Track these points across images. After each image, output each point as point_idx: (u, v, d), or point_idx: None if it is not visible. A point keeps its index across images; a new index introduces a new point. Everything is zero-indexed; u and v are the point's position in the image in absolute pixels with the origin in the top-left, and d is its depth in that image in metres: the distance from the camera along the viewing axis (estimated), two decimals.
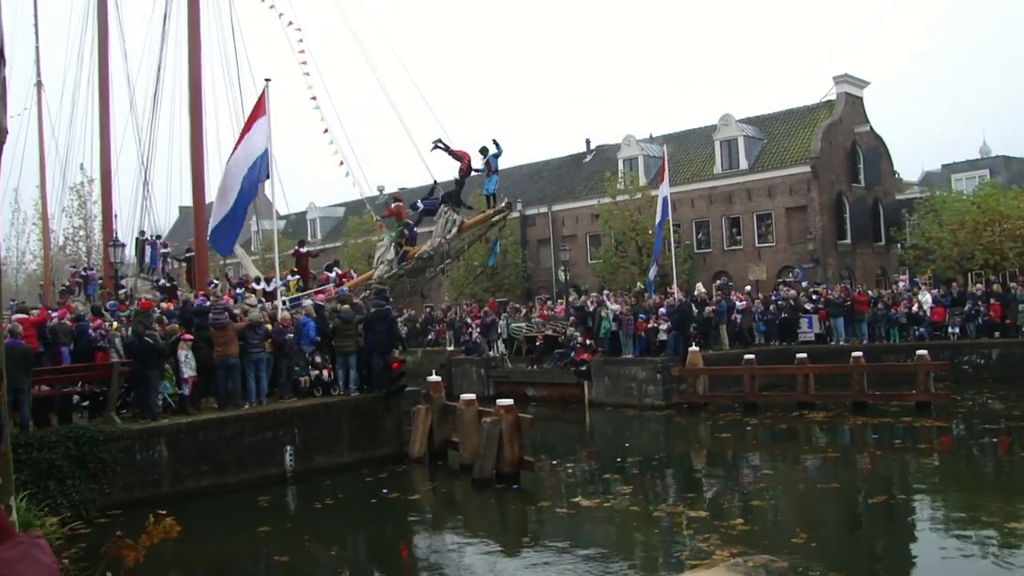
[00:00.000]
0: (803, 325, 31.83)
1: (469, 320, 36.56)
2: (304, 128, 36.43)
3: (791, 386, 25.68)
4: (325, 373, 19.63)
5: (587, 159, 54.45)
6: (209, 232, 20.05)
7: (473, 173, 23.48)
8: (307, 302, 21.57)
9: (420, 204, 23.78)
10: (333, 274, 26.79)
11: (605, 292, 33.43)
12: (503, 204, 23.38)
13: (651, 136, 51.36)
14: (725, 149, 44.72)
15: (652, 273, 31.27)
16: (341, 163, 22.72)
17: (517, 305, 40.10)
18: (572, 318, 31.46)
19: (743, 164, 44.12)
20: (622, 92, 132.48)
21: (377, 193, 46.31)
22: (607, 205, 44.05)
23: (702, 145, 47.22)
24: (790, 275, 39.10)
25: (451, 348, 36.83)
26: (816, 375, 25.48)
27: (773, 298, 33.23)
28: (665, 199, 31.04)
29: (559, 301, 39.36)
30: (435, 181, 23.62)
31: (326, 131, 22.92)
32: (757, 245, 43.58)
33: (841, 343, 30.88)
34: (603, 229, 44.62)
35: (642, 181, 46.25)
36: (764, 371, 26.65)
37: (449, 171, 23.81)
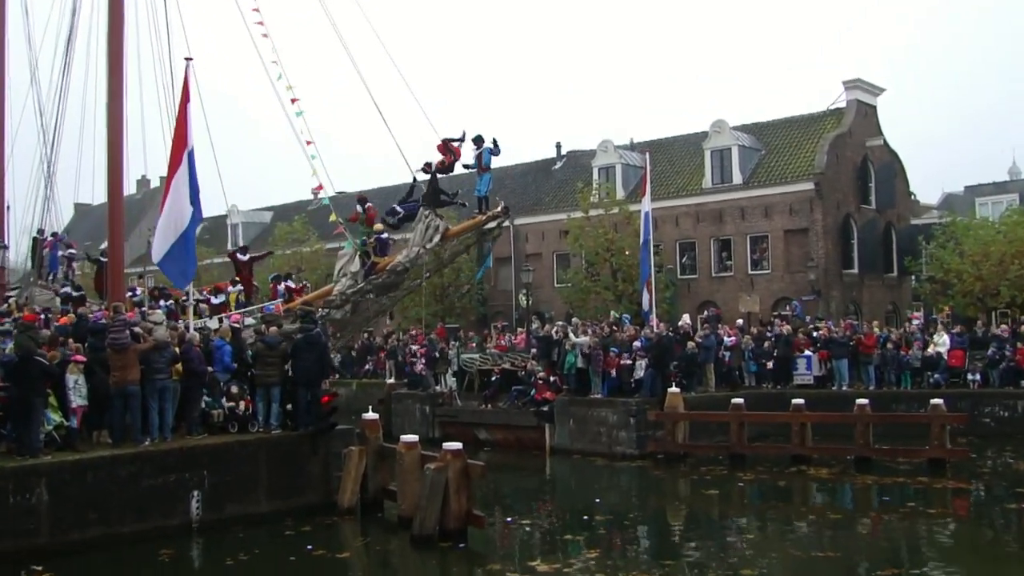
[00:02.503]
0: (801, 366, 31.99)
1: (414, 348, 36.41)
2: (227, 117, 35.46)
3: (785, 436, 25.89)
4: (242, 406, 19.54)
5: (557, 166, 54.95)
6: (158, 256, 19.25)
7: (463, 169, 23.92)
8: (224, 323, 21.57)
9: (399, 208, 23.71)
10: (282, 287, 26.90)
11: (573, 321, 33.09)
12: (499, 208, 23.38)
13: (632, 142, 51.93)
14: (717, 160, 45.09)
15: (646, 301, 30.53)
16: (309, 142, 22.42)
17: (470, 333, 40.33)
18: (534, 350, 31.63)
19: (737, 178, 44.45)
20: (599, 90, 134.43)
21: (319, 196, 43.83)
22: (578, 220, 43.97)
23: (690, 155, 47.72)
24: (787, 308, 39.18)
25: (391, 381, 36.83)
26: (814, 424, 25.62)
27: (767, 334, 33.28)
28: (647, 215, 31.20)
29: (519, 330, 39.65)
30: (414, 179, 23.68)
31: (295, 100, 22.66)
32: (750, 272, 43.63)
33: (844, 388, 31.03)
34: (573, 247, 44.38)
35: (620, 194, 46.41)
36: (754, 418, 26.79)
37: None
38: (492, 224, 23.49)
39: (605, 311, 38.81)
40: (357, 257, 23.95)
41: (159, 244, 19.10)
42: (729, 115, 66.05)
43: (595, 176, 48.86)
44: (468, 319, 48.34)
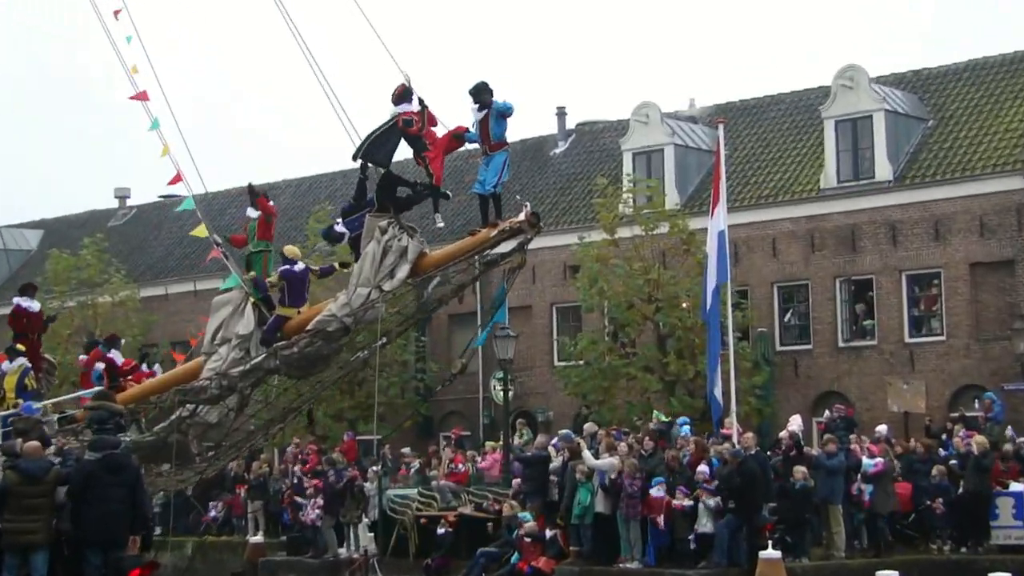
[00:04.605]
0: (1005, 510, 28.11)
1: (300, 479, 33.87)
2: None
3: None
4: None
5: (558, 149, 47.53)
6: None
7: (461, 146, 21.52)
8: None
9: (340, 230, 21.41)
10: (99, 367, 24.63)
11: (588, 428, 30.41)
12: (521, 216, 19.95)
13: (692, 105, 45.70)
14: (847, 137, 39.16)
15: (718, 392, 28.17)
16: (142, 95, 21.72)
17: (403, 451, 37.04)
18: (517, 481, 30.15)
19: (883, 170, 38.28)
20: (627, 29, 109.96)
21: (178, 203, 38.74)
22: (596, 247, 37.97)
23: (796, 129, 42.21)
24: (977, 405, 33.47)
25: (258, 538, 34.01)
26: None
27: (941, 452, 29.62)
28: (722, 237, 28.34)
29: (490, 445, 36.07)
30: (364, 166, 20.83)
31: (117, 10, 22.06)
32: (908, 340, 37.52)
33: None
34: (587, 295, 38.18)
35: (671, 199, 40.38)
36: None
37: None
38: (507, 243, 20.32)
39: (646, 410, 34.34)
40: (249, 307, 21.33)
41: None
42: (862, 58, 55.26)
43: (626, 167, 42.14)
44: (399, 424, 40.51)
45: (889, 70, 42.42)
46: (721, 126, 32.57)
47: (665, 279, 36.65)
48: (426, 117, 20.27)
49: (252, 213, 22.07)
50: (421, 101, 20.34)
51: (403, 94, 20.35)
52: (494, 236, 20.11)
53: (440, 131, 20.44)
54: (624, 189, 40.23)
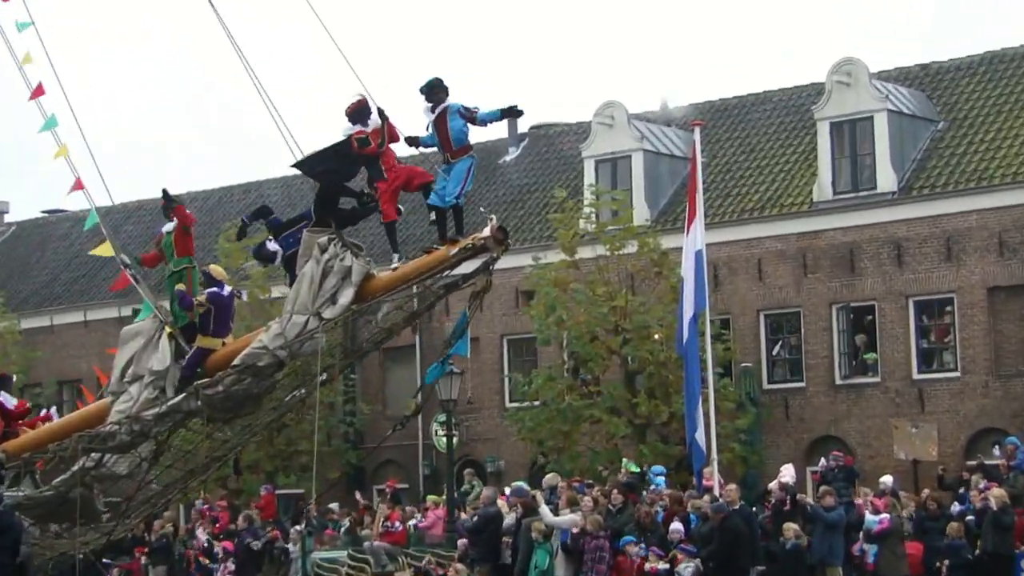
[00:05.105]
0: None
1: (209, 540, 33.37)
2: None
3: None
4: None
5: (510, 156, 46.81)
6: None
7: (414, 148, 20.52)
8: None
9: (273, 247, 20.51)
10: None
11: (548, 481, 29.85)
12: (486, 231, 18.61)
13: (664, 106, 44.60)
14: (841, 141, 38.07)
15: (699, 436, 27.00)
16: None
17: (330, 507, 36.18)
18: (462, 541, 29.88)
19: (885, 180, 37.24)
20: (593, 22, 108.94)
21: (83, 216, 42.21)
22: (553, 268, 36.94)
23: (785, 132, 41.22)
24: (996, 451, 31.95)
25: None
26: None
27: (956, 507, 28.84)
28: (699, 258, 27.53)
29: (431, 500, 35.26)
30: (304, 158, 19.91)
31: None
32: (916, 376, 36.42)
33: None
34: (543, 326, 37.18)
35: (640, 215, 39.16)
36: None
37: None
38: (471, 263, 19.02)
39: (613, 459, 34.14)
40: (164, 338, 20.34)
41: None
42: (864, 53, 52.06)
43: (587, 177, 41.13)
44: (326, 475, 38.80)
45: (892, 64, 41.08)
46: (698, 129, 30.65)
47: (634, 306, 35.53)
48: (386, 132, 19.20)
49: (168, 226, 20.63)
50: (381, 112, 19.19)
51: (360, 110, 19.36)
52: (454, 255, 18.79)
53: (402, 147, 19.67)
54: (585, 202, 39.08)
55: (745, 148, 40.95)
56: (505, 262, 37.84)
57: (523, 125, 46.27)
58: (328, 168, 20.13)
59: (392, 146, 19.32)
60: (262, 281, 37.90)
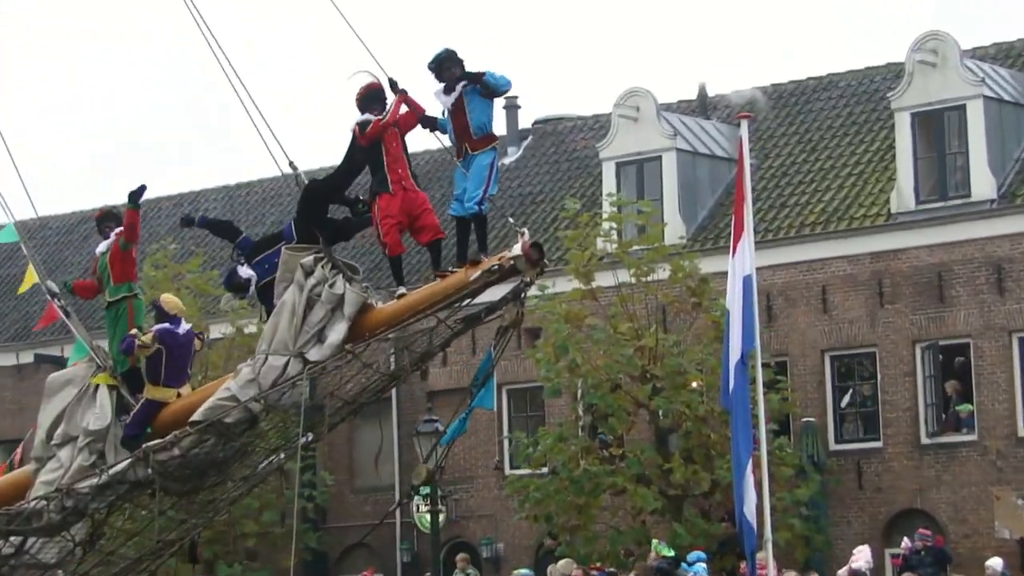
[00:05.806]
0: None
1: None
2: None
3: None
4: None
5: (508, 159, 43.48)
6: None
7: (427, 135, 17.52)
8: None
9: (244, 269, 17.98)
10: None
11: (560, 569, 29.83)
12: (516, 248, 15.98)
13: (702, 91, 41.23)
14: (926, 137, 35.30)
15: (748, 511, 22.97)
16: None
17: None
18: None
19: (982, 185, 34.48)
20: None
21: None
22: (564, 299, 34.50)
23: (854, 125, 38.12)
24: None
25: None
26: None
27: None
28: (748, 284, 23.67)
29: None
30: (296, 171, 18.15)
31: None
32: (1022, 432, 33.77)
33: None
34: (550, 370, 34.52)
35: (675, 230, 36.79)
36: None
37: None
38: (499, 288, 16.45)
39: (640, 540, 32.22)
40: (104, 388, 18.03)
41: None
42: (955, 27, 53.27)
43: (607, 184, 38.52)
44: (276, 565, 37.29)
45: (989, 39, 37.84)
46: (745, 123, 26.00)
47: (666, 347, 33.10)
48: (393, 109, 16.65)
49: (102, 245, 18.29)
50: (393, 84, 16.63)
51: (370, 95, 16.97)
52: (476, 279, 16.41)
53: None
54: (604, 216, 35.79)
55: (805, 147, 37.97)
56: (505, 288, 34.73)
57: (526, 119, 43.96)
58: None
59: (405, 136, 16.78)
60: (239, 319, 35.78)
